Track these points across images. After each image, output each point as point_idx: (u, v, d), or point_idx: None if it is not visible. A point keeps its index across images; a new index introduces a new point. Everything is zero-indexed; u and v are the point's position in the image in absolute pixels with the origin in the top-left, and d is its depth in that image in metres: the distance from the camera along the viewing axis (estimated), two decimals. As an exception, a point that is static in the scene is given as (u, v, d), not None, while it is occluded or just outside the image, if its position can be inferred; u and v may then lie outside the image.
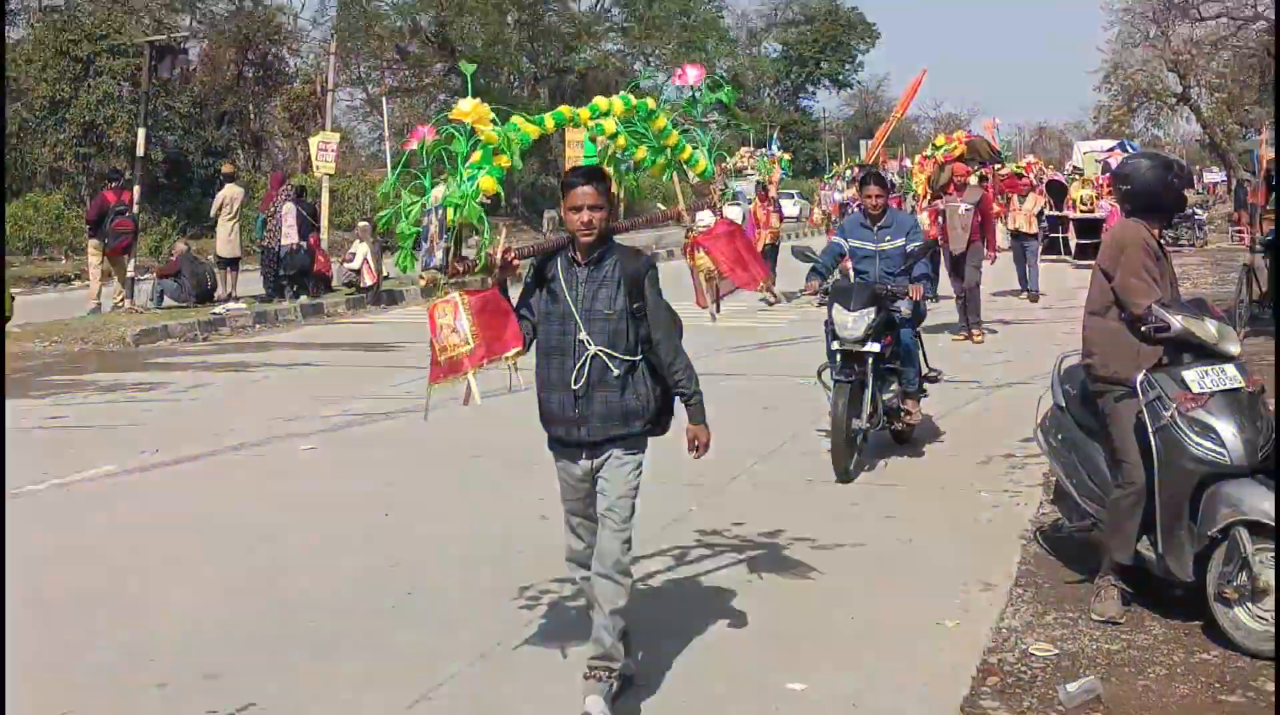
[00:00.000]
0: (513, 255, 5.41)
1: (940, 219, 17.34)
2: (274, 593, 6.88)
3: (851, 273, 10.23)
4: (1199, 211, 36.58)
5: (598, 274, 5.38)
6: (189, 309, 21.34)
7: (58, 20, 42.68)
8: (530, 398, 5.47)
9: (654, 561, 7.23)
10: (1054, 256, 28.76)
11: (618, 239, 5.51)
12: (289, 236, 22.04)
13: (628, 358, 5.35)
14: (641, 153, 6.05)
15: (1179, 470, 5.86)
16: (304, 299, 22.18)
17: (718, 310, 6.34)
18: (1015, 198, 23.19)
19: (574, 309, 5.35)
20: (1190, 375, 5.92)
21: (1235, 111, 55.15)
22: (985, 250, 17.24)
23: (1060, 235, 29.99)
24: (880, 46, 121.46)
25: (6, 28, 44.76)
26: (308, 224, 22.58)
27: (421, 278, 5.39)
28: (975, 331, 16.77)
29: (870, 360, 9.39)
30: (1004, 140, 32.24)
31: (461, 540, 7.81)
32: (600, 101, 5.83)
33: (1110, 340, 6.22)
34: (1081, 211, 29.30)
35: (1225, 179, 61.78)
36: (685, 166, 6.23)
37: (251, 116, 50.55)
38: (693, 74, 6.44)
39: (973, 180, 18.53)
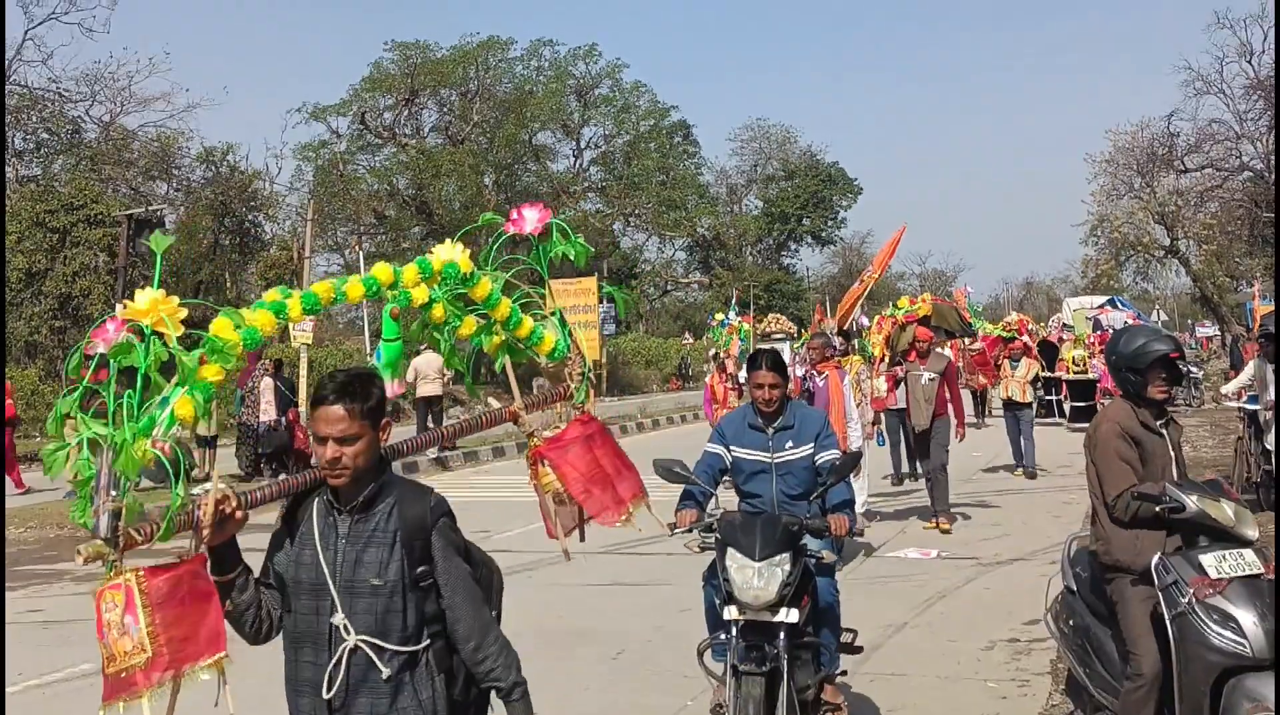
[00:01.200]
0: (234, 505, 4.04)
1: (899, 387, 15.83)
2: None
3: (737, 499, 7.49)
4: (1194, 369, 36.76)
5: (364, 527, 4.04)
6: (167, 489, 21.21)
7: (34, 190, 43.11)
8: (519, 581, 5.18)
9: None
10: (1049, 420, 28.83)
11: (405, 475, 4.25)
12: (267, 413, 22.09)
13: (404, 649, 3.97)
14: (468, 326, 4.79)
15: (1198, 661, 5.62)
16: (282, 477, 22.11)
17: (580, 539, 4.97)
18: (1007, 362, 21.79)
19: (328, 579, 4.00)
20: (1208, 560, 5.76)
21: (1225, 263, 55.92)
22: (954, 425, 15.50)
23: (1055, 397, 30.05)
24: (863, 202, 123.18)
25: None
26: (286, 399, 22.63)
27: (79, 553, 3.81)
28: (942, 519, 15.12)
29: (782, 635, 6.28)
30: (975, 307, 31.60)
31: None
32: (410, 271, 4.69)
33: (1111, 526, 6.15)
34: (1074, 373, 29.36)
35: (1219, 333, 62.12)
36: (525, 345, 4.91)
37: (228, 285, 50.91)
38: (532, 217, 5.10)
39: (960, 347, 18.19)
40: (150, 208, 34.73)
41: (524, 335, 4.86)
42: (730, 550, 6.34)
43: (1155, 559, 5.87)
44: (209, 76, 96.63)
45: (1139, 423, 6.25)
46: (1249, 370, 15.73)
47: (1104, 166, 54.97)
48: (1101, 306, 35.10)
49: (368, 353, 36.97)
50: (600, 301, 30.49)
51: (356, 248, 57.58)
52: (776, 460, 7.12)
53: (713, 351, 21.03)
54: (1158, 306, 63.77)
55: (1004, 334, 22.17)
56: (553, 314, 5.01)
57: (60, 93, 49.15)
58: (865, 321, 16.88)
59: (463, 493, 22.02)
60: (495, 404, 6.25)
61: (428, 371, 27.41)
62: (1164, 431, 6.32)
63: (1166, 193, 53.61)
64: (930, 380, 15.40)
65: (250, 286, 52.32)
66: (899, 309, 16.41)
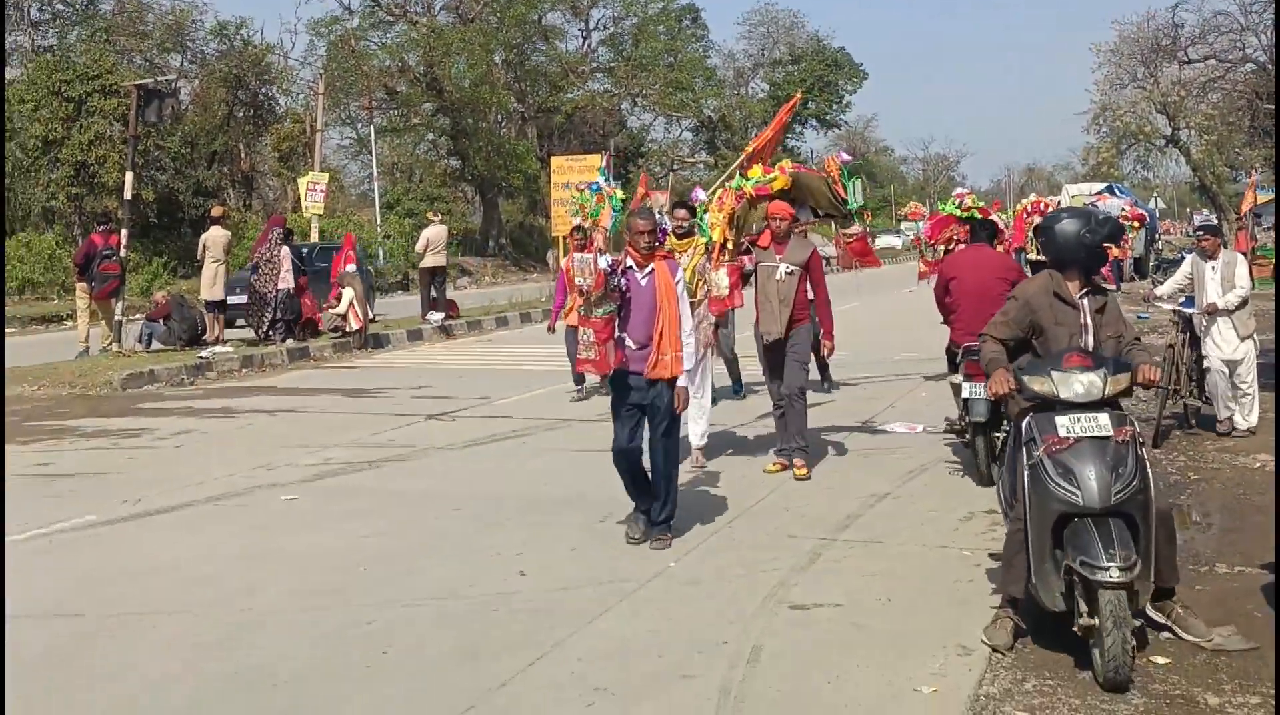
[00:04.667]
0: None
1: (748, 284, 11.74)
2: (246, 652, 6.79)
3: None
4: (1185, 255, 36.37)
5: None
6: (177, 352, 21.31)
7: (51, 60, 42.85)
8: (510, 449, 5.37)
9: (624, 616, 7.19)
10: None
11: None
12: (286, 281, 22.02)
13: None
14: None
15: (1041, 507, 6.28)
16: (290, 343, 22.14)
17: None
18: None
19: None
20: (1062, 420, 6.35)
21: (1225, 154, 55.33)
22: (819, 334, 11.95)
23: None
24: (867, 87, 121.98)
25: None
26: (296, 268, 22.57)
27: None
28: (797, 459, 11.24)
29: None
30: (976, 191, 26.16)
31: (438, 597, 7.73)
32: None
33: None
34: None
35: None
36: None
37: (242, 156, 50.73)
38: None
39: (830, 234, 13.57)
40: (160, 78, 34.32)
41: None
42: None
43: (1027, 418, 6.57)
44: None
45: (1051, 293, 6.90)
46: (1184, 269, 13.39)
47: (1108, 56, 54.15)
48: (1099, 193, 34.74)
49: (378, 224, 36.85)
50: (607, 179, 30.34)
51: (367, 109, 57.16)
52: None
53: (576, 221, 14.41)
54: (1156, 194, 63.36)
55: (958, 213, 17.80)
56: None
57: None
58: (701, 195, 12.11)
59: (465, 360, 22.06)
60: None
61: (438, 244, 27.30)
62: (1079, 303, 6.88)
63: (1169, 83, 52.92)
64: (789, 273, 11.26)
65: (263, 157, 52.10)
66: (747, 180, 11.81)
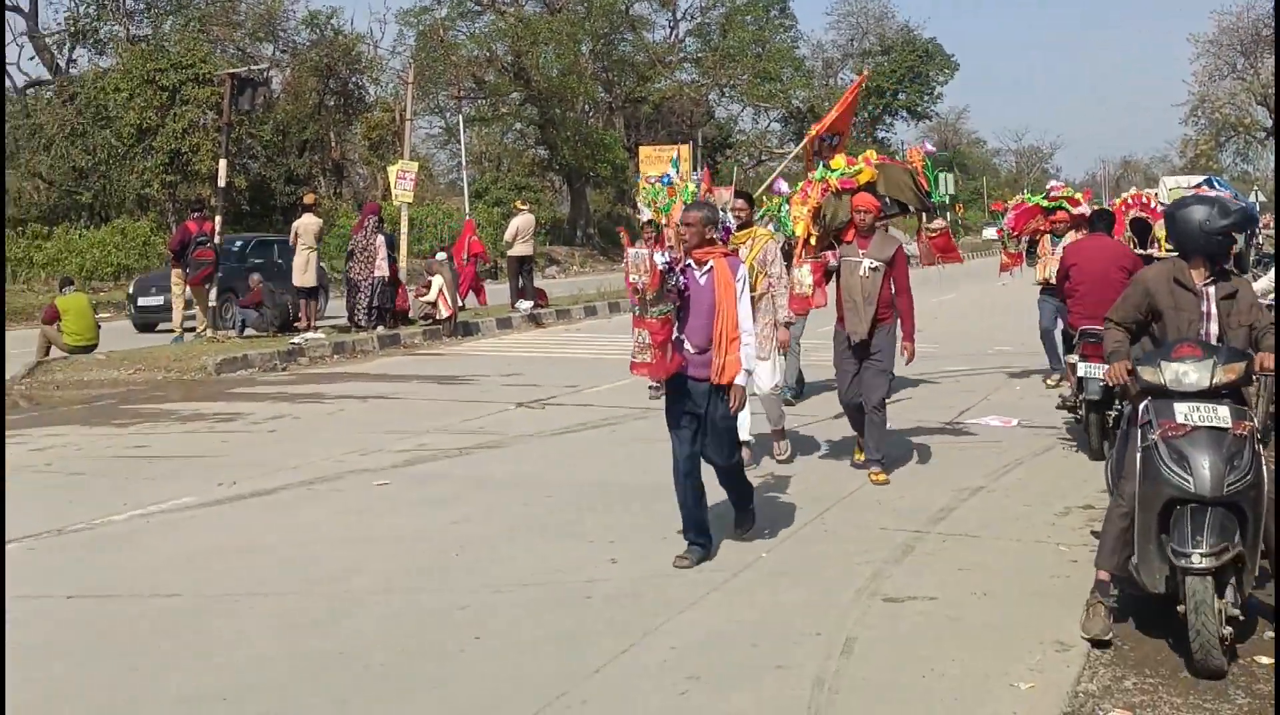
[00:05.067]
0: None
1: (829, 280, 11.15)
2: (340, 633, 6.88)
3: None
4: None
5: None
6: (269, 338, 21.59)
7: (145, 49, 43.50)
8: (600, 437, 5.38)
9: (716, 606, 7.19)
10: None
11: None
12: (381, 268, 22.18)
13: None
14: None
15: (1152, 490, 6.31)
16: (381, 330, 22.34)
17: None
18: (1048, 238, 16.30)
19: None
20: (1181, 407, 6.36)
21: (1328, 145, 54.23)
22: (901, 339, 10.87)
23: None
24: (959, 78, 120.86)
25: (95, 58, 45.74)
26: (390, 257, 22.76)
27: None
28: (874, 469, 10.71)
29: None
30: (1069, 183, 24.44)
31: (532, 583, 7.77)
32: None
33: None
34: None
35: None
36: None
37: (333, 144, 51.23)
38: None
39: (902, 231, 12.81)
40: (253, 67, 34.74)
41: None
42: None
43: (1145, 401, 6.56)
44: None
45: (1172, 278, 6.87)
46: (1271, 275, 12.70)
47: (1207, 47, 53.46)
48: (1198, 186, 33.95)
49: (468, 212, 37.04)
50: (694, 169, 30.30)
51: (455, 98, 57.39)
52: None
53: (646, 216, 12.37)
54: (1257, 188, 62.15)
55: (1044, 203, 16.67)
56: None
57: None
58: (784, 187, 11.66)
59: (554, 348, 22.15)
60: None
61: (526, 232, 27.35)
62: (1201, 290, 6.81)
63: (1270, 74, 51.98)
64: (873, 270, 10.63)
65: (354, 146, 52.59)
66: (832, 172, 11.30)
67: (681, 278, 8.04)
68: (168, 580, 7.99)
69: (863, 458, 11.00)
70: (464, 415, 14.46)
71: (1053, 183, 17.94)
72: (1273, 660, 6.20)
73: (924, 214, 12.07)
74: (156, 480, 11.09)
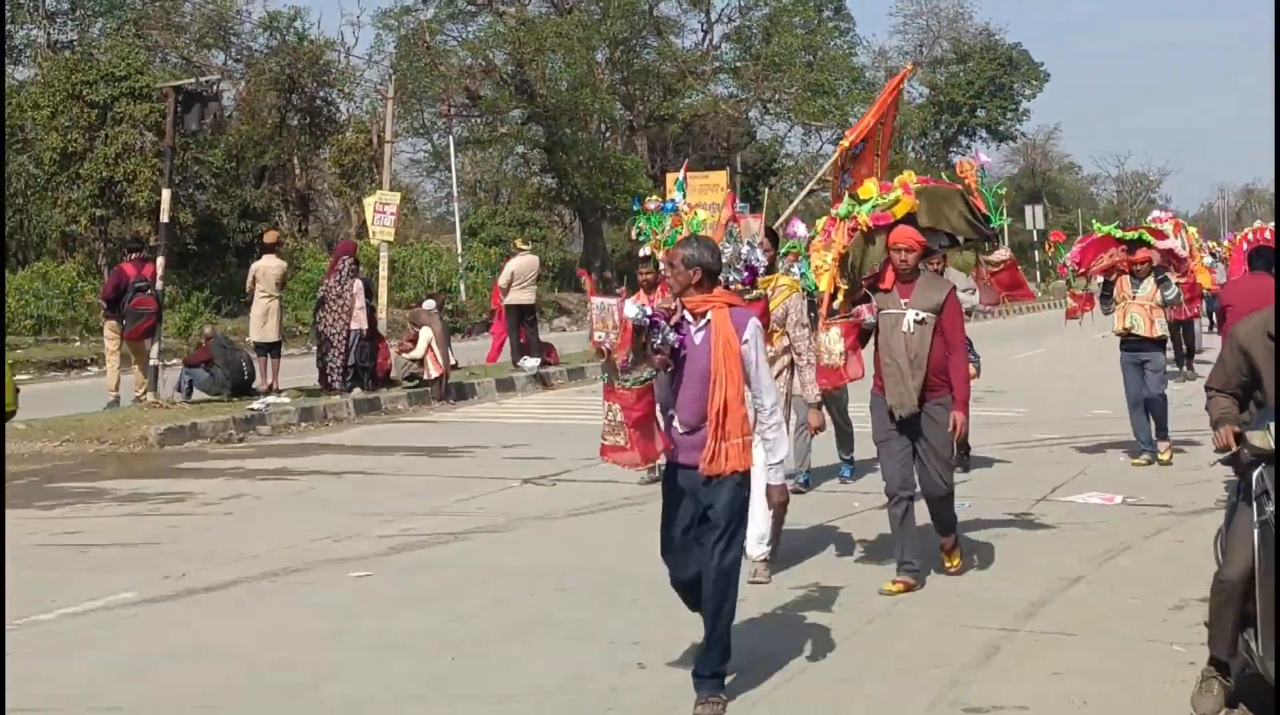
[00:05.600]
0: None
1: (866, 342, 10.57)
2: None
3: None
4: None
5: None
6: (223, 403, 21.71)
7: (70, 58, 43.33)
8: (623, 519, 5.47)
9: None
10: None
11: None
12: (359, 320, 22.18)
13: None
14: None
15: (1273, 570, 6.44)
16: (358, 392, 22.41)
17: None
18: (1127, 279, 15.70)
19: None
20: None
21: None
22: (952, 405, 10.02)
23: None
24: (1049, 90, 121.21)
25: (11, 68, 45.85)
26: (369, 307, 22.76)
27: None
28: (950, 553, 10.54)
29: None
30: (1165, 211, 22.51)
31: (544, 691, 7.86)
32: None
33: None
34: None
35: None
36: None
37: (296, 172, 51.37)
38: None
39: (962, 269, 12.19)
40: (200, 79, 34.92)
41: None
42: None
43: (1258, 469, 6.72)
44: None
45: (1265, 332, 7.12)
46: None
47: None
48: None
49: (459, 253, 37.16)
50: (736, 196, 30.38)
51: (445, 116, 57.42)
52: None
53: (645, 250, 11.29)
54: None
55: (1122, 236, 15.90)
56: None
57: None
58: (800, 229, 11.04)
59: (566, 415, 22.19)
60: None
61: (525, 276, 27.09)
62: None
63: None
64: (919, 322, 9.91)
65: (322, 173, 52.67)
66: (861, 204, 10.42)
67: (674, 335, 7.39)
68: (106, 692, 8.08)
69: (897, 588, 9.98)
70: (459, 494, 14.58)
71: (1156, 213, 17.66)
72: None
73: (984, 243, 11.50)
74: (91, 572, 11.23)
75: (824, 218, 10.77)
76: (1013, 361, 23.21)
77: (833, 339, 10.30)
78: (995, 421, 19.37)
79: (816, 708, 7.57)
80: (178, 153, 31.82)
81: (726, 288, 7.77)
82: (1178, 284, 15.86)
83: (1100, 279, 16.02)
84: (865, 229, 10.26)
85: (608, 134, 66.04)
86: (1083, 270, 15.91)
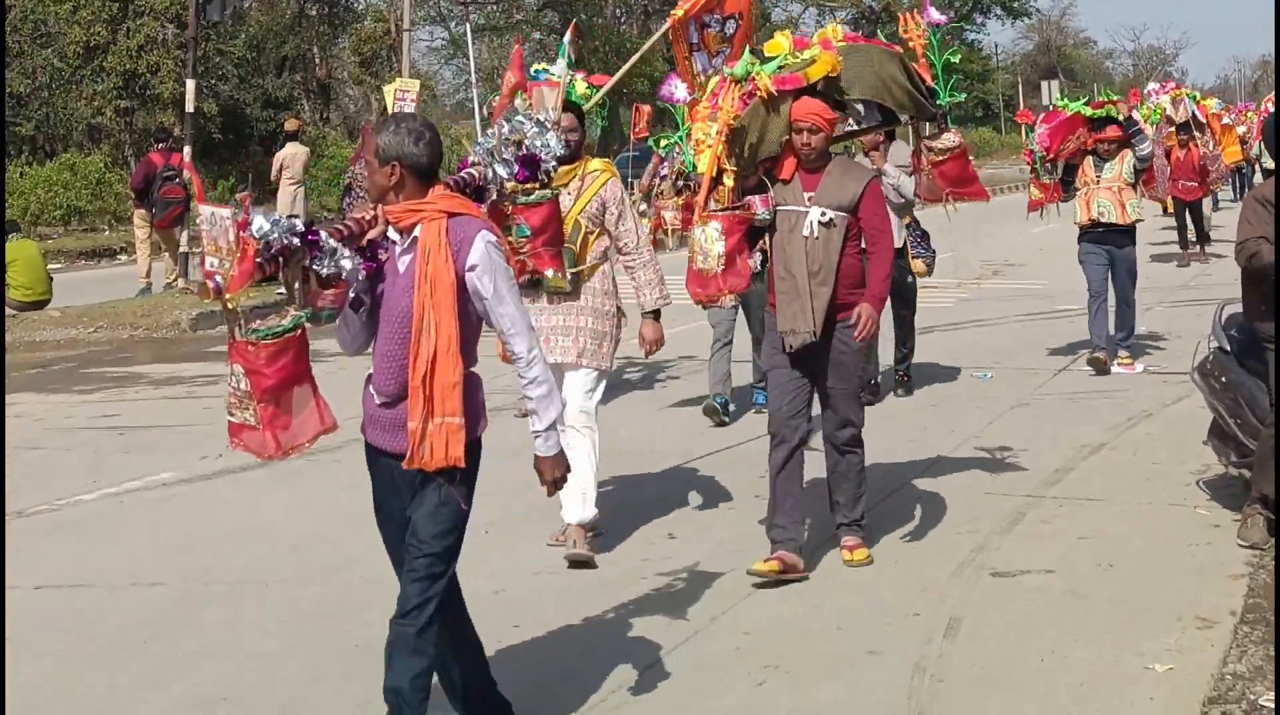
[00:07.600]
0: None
1: (755, 245, 8.16)
2: (353, 627, 6.98)
3: None
4: None
5: None
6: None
7: (90, -49, 42.96)
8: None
9: (790, 587, 7.30)
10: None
11: None
12: None
13: None
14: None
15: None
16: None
17: None
18: (1090, 161, 13.42)
19: None
20: None
21: None
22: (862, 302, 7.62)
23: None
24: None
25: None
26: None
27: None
28: (848, 539, 7.87)
29: None
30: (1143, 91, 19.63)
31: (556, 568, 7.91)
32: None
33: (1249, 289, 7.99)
34: None
35: None
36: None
37: (317, 62, 51.11)
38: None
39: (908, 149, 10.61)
40: (223, -33, 34.60)
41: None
42: None
43: None
44: None
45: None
46: None
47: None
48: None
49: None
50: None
51: (461, 3, 57.05)
52: None
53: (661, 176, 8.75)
54: None
55: (1086, 112, 13.48)
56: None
57: None
58: (680, 93, 8.16)
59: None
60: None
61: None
62: None
63: None
64: (825, 223, 7.57)
65: (342, 63, 52.45)
66: (765, 62, 7.76)
67: (355, 262, 5.05)
68: (149, 568, 8.13)
69: (768, 569, 7.45)
70: (492, 371, 14.53)
71: (1153, 84, 16.93)
72: None
73: (926, 123, 8.61)
74: (130, 454, 11.28)
75: (715, 78, 7.94)
76: (1028, 235, 22.95)
77: (710, 237, 7.54)
78: (1017, 292, 19.32)
79: (845, 572, 7.59)
80: (200, 44, 31.62)
81: (459, 190, 5.39)
82: (1152, 140, 14.05)
83: (1061, 165, 13.56)
84: (766, 95, 7.50)
85: (624, 19, 65.54)
86: (1051, 156, 13.35)
